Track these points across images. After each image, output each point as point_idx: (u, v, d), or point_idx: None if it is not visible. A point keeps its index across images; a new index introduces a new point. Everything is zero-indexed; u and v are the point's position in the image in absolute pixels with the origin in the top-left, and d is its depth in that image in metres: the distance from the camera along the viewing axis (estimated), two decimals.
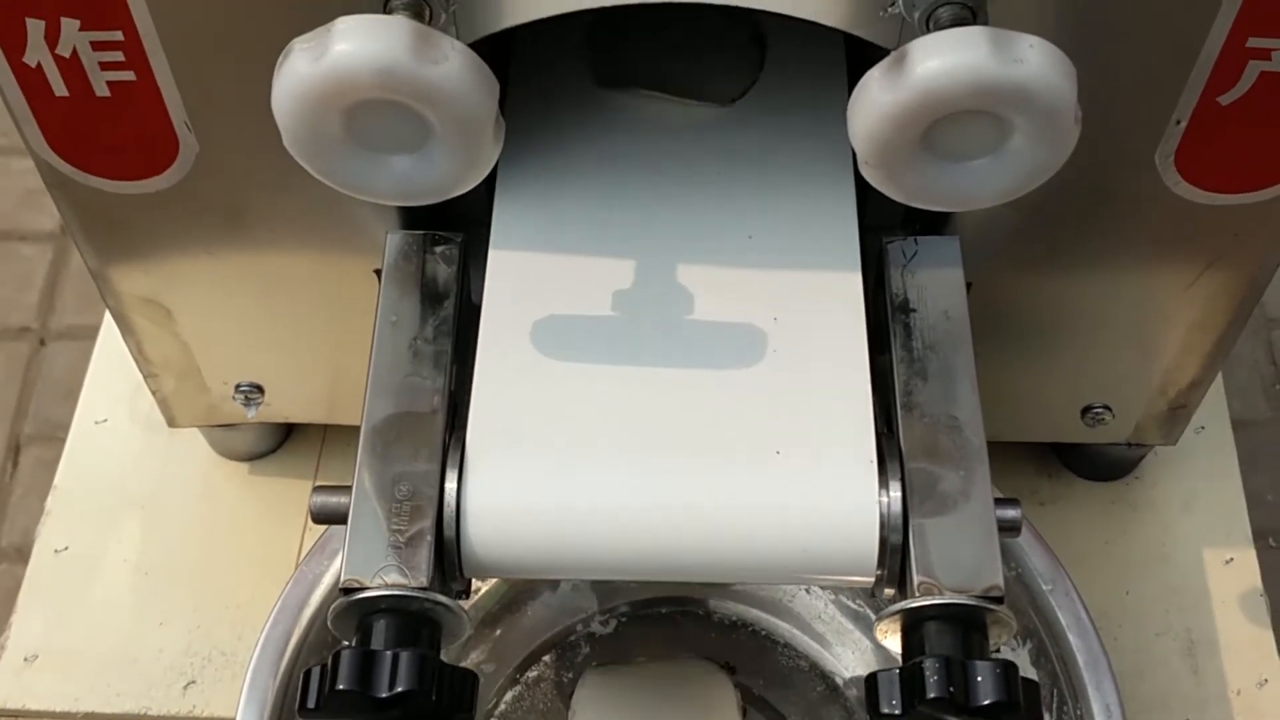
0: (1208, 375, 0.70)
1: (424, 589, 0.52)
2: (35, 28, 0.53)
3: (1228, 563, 0.78)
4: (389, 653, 0.51)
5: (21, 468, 1.57)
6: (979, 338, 0.61)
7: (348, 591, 0.52)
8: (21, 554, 1.53)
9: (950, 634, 0.52)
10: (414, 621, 0.53)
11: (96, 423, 0.82)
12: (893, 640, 0.55)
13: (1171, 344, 0.68)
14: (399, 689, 0.50)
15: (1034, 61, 0.46)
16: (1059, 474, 0.81)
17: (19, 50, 0.54)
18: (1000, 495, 0.56)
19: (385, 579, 0.53)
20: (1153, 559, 0.78)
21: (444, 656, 0.54)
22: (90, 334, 1.64)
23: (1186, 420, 0.73)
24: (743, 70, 0.64)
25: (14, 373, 1.62)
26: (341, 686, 0.50)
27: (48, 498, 0.80)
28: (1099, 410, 0.72)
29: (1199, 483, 0.80)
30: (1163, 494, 0.80)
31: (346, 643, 0.54)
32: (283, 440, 0.82)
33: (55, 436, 1.59)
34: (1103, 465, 0.80)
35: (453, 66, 0.46)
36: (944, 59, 0.46)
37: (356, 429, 0.61)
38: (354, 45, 0.45)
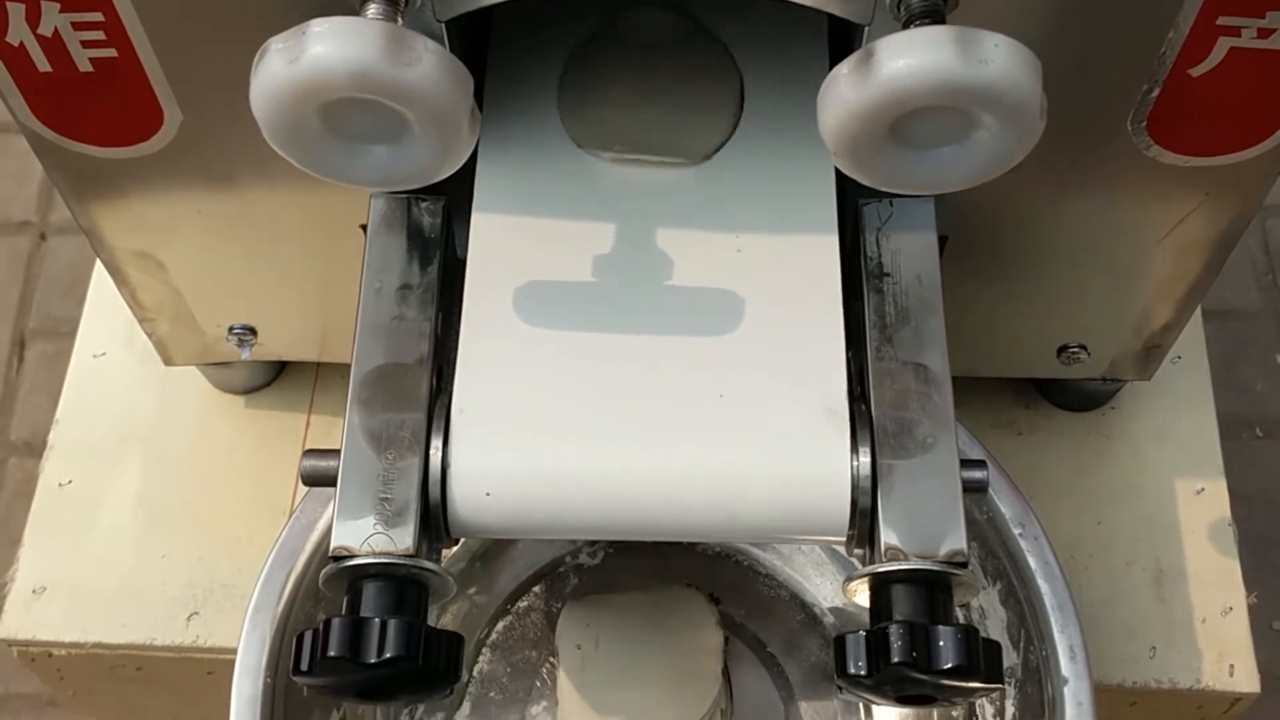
0: (1181, 319, 0.71)
1: (410, 555, 0.55)
2: (16, 10, 0.53)
3: (1199, 493, 0.80)
4: (377, 620, 0.53)
5: (27, 363, 1.59)
6: (957, 280, 0.63)
7: (337, 559, 0.55)
8: (31, 448, 1.56)
9: (915, 598, 0.54)
10: (401, 586, 0.55)
11: (95, 356, 0.84)
12: (862, 598, 0.57)
13: (1145, 291, 0.69)
14: (387, 655, 0.53)
15: (999, 61, 0.46)
16: (1037, 405, 0.83)
17: (1, 31, 0.54)
18: (967, 457, 0.58)
19: (373, 546, 0.55)
20: (1125, 489, 0.80)
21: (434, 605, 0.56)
22: None
23: (1160, 359, 0.75)
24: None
25: (16, 268, 1.64)
26: (332, 653, 0.53)
27: (50, 432, 0.82)
28: (1075, 350, 0.74)
29: (1174, 413, 0.82)
30: (1138, 425, 0.82)
31: (336, 597, 0.56)
32: (277, 374, 0.84)
33: (59, 331, 1.62)
34: (1080, 397, 0.82)
35: (427, 67, 0.47)
36: (910, 60, 0.46)
37: (348, 365, 0.62)
38: (328, 48, 0.46)
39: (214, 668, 0.77)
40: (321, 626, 0.54)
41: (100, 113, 0.59)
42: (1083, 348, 0.74)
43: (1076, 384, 0.80)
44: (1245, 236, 1.83)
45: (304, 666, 0.54)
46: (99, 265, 0.86)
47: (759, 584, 0.77)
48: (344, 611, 0.55)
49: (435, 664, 0.54)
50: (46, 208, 1.66)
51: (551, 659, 0.74)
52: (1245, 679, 0.74)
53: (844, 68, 0.48)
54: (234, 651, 0.67)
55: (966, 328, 0.62)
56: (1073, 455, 0.81)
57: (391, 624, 0.53)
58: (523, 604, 0.76)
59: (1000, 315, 0.72)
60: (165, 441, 0.82)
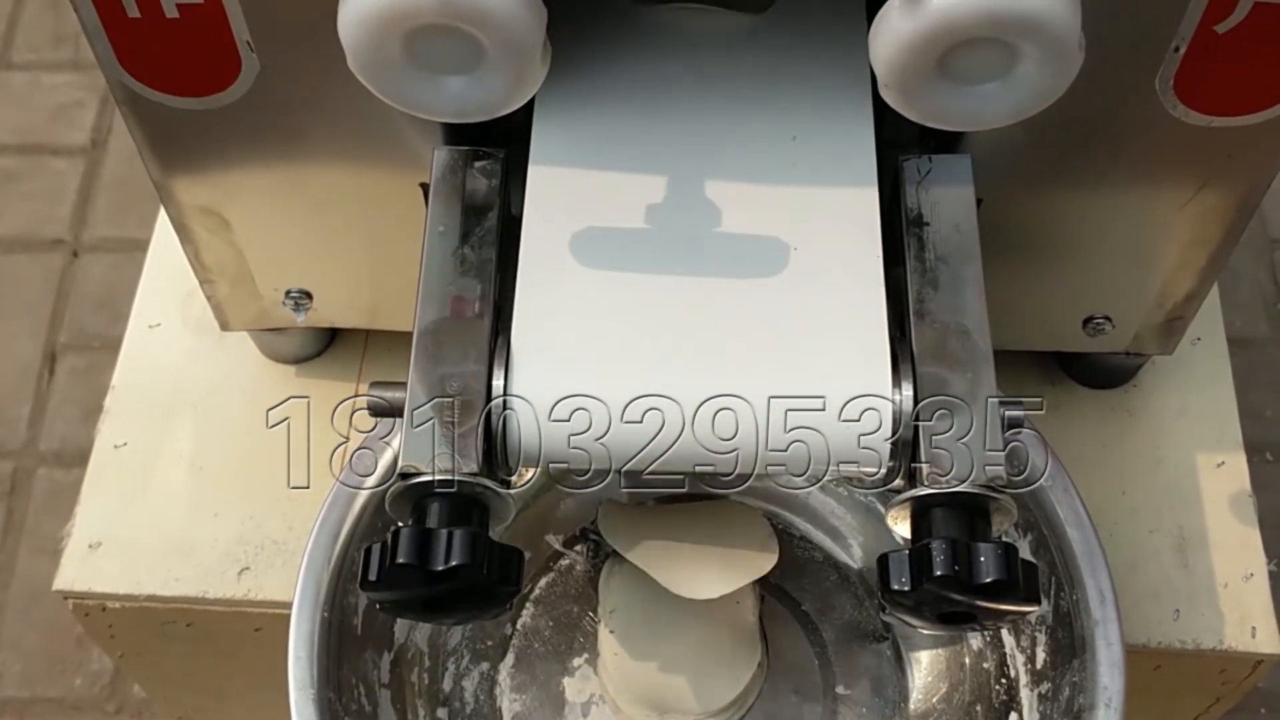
0: (1202, 289, 0.74)
1: (475, 474, 0.57)
2: None
3: (1219, 466, 0.82)
4: (444, 530, 0.56)
5: (58, 376, 1.62)
6: (988, 252, 0.65)
7: (405, 476, 0.57)
8: (60, 458, 1.59)
9: (956, 519, 0.57)
10: (465, 504, 0.58)
11: (150, 327, 0.87)
12: (903, 526, 0.59)
13: (1168, 259, 0.72)
14: (453, 562, 0.55)
15: None
16: (1062, 382, 0.85)
17: None
18: (1006, 396, 0.60)
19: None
20: (1148, 462, 0.82)
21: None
22: (122, 246, 1.70)
23: (1182, 331, 0.78)
24: None
25: (48, 284, 1.68)
26: (401, 560, 0.55)
27: (106, 397, 0.85)
28: (1100, 321, 0.76)
29: (1194, 392, 0.85)
30: (1159, 401, 0.84)
31: (401, 525, 0.59)
32: (327, 345, 0.86)
33: (90, 346, 1.66)
34: (1103, 373, 0.84)
35: None
36: None
37: (395, 336, 0.64)
38: None
39: (263, 624, 0.80)
40: (390, 537, 0.56)
41: (182, 61, 0.62)
42: (1108, 319, 0.76)
43: (1100, 359, 0.83)
44: (1254, 266, 1.85)
45: (372, 577, 0.56)
46: (154, 239, 0.90)
47: (793, 546, 0.79)
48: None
49: (498, 574, 0.57)
50: (79, 226, 1.70)
51: (591, 614, 0.76)
52: (1267, 640, 0.77)
53: (897, 0, 0.51)
54: (284, 606, 0.69)
55: (994, 299, 0.65)
56: (1096, 429, 0.84)
57: (458, 533, 0.56)
58: (564, 562, 0.79)
59: (1029, 285, 0.75)
60: (217, 409, 0.84)
